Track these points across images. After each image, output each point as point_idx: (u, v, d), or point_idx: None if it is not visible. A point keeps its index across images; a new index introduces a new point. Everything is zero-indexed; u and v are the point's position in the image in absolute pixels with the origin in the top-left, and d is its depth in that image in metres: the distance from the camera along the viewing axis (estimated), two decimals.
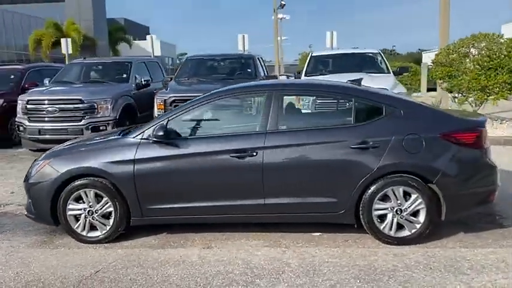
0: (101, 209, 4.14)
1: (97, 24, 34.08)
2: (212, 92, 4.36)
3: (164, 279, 3.44)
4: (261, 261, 3.69)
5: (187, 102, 4.36)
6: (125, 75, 9.53)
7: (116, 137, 4.38)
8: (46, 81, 9.81)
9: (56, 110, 8.24)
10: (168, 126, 4.09)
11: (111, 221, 4.15)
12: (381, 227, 3.93)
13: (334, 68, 9.32)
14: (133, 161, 4.05)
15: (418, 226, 3.91)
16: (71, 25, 32.66)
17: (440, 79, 10.25)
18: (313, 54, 9.70)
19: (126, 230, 4.23)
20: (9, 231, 4.60)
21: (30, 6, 34.72)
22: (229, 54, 10.30)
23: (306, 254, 3.79)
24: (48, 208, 4.17)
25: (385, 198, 3.90)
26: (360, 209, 3.93)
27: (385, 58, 9.19)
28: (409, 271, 3.42)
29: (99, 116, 8.25)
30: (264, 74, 9.77)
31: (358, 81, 4.66)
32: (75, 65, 10.48)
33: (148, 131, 4.12)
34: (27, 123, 8.43)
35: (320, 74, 8.94)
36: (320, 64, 9.40)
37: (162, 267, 3.65)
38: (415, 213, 3.90)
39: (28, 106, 8.45)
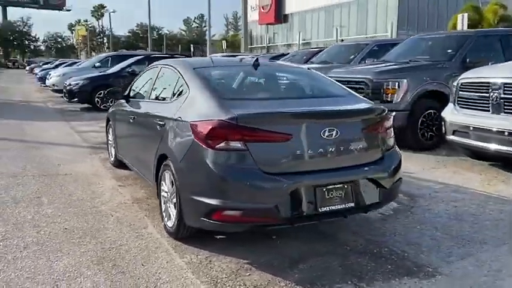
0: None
1: None
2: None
3: (54, 183, 5.17)
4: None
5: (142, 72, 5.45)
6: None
7: None
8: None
9: None
10: (131, 89, 5.40)
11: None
12: (163, 209, 3.83)
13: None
14: (114, 113, 5.72)
15: (173, 220, 3.56)
16: (493, 6, 30.85)
17: None
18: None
19: None
20: None
21: None
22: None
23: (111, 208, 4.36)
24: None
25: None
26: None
27: None
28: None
29: None
30: (464, 59, 7.11)
31: (256, 61, 4.10)
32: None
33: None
34: None
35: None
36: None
37: (67, 182, 5.29)
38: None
39: None
